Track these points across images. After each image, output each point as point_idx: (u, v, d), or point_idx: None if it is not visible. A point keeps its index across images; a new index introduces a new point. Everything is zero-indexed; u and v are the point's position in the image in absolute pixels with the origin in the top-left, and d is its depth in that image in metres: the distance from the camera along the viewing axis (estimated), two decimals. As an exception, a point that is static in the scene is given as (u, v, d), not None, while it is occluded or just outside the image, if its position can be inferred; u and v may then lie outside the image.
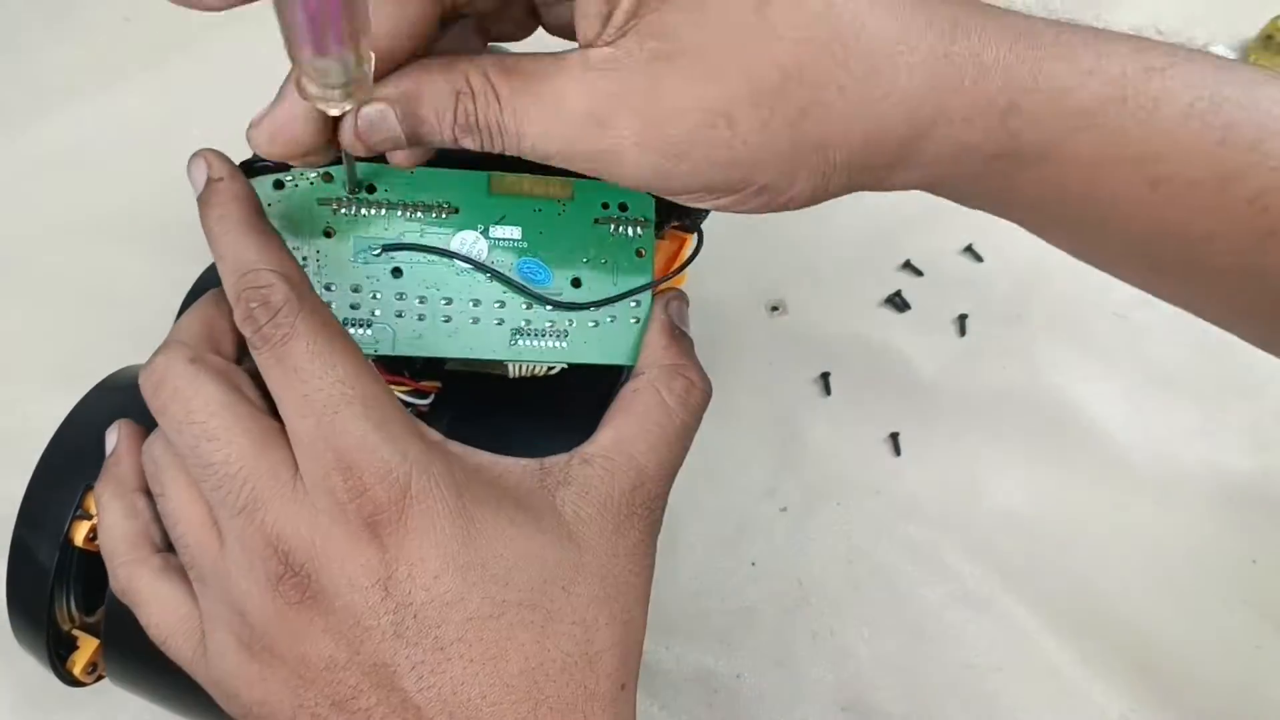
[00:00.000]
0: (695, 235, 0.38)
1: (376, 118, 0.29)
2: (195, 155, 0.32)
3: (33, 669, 0.41)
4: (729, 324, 0.55)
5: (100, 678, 0.40)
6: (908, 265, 0.58)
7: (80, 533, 0.37)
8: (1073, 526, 0.48)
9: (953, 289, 0.56)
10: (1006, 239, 0.54)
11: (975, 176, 0.30)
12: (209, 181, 0.32)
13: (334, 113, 0.29)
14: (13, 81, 0.61)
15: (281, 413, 0.29)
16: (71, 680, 0.40)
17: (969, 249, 0.56)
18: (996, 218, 0.49)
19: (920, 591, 0.50)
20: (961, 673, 0.48)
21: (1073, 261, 0.55)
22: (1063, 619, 0.49)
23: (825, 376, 0.55)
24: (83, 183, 0.58)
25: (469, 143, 0.30)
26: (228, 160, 0.32)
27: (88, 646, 0.39)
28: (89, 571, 0.38)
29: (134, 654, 0.38)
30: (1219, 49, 0.61)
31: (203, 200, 0.32)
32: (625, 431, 0.33)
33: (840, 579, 0.49)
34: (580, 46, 0.29)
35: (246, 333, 0.29)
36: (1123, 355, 0.54)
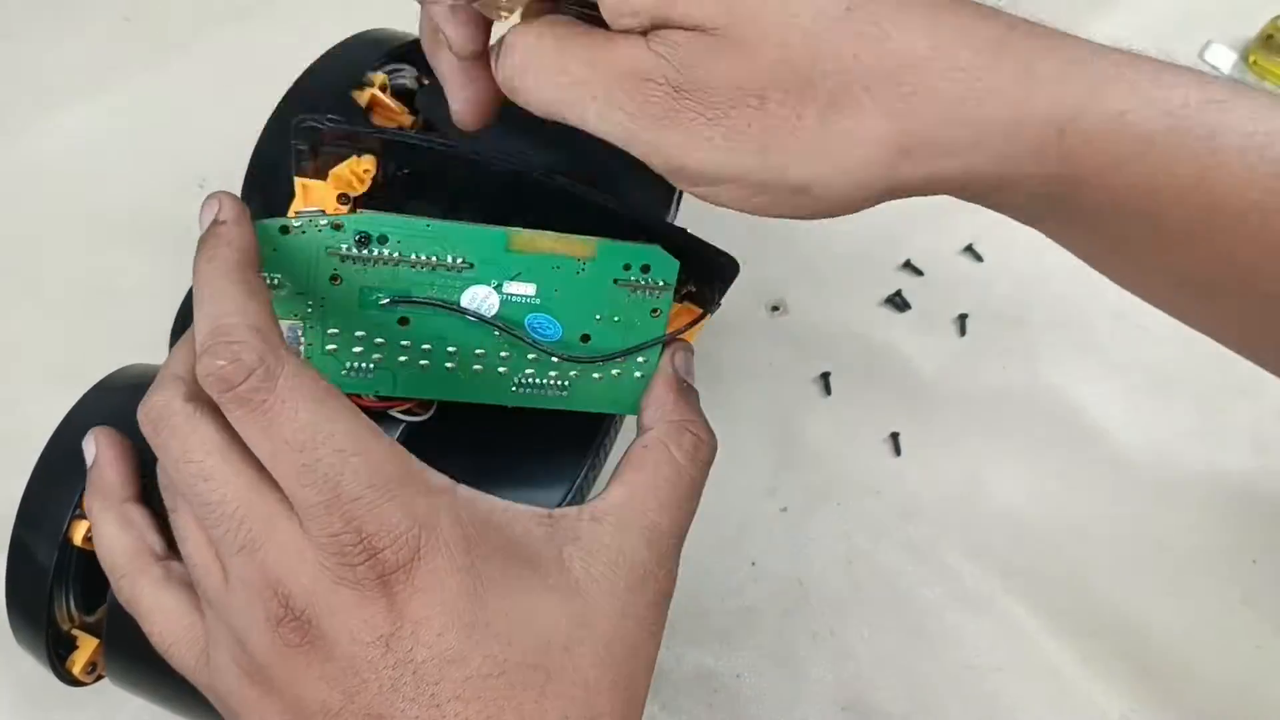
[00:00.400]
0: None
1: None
2: (210, 196, 0.32)
3: (32, 668, 0.41)
4: (729, 324, 0.55)
5: (100, 677, 0.40)
6: (908, 265, 0.57)
7: (79, 532, 0.37)
8: (1073, 526, 0.48)
9: (953, 289, 0.56)
10: (1007, 239, 0.54)
11: (1025, 196, 0.30)
12: (212, 223, 0.31)
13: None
14: (13, 81, 0.61)
15: (276, 477, 0.28)
16: (71, 680, 0.40)
17: (969, 249, 0.56)
18: (996, 217, 0.50)
19: (920, 591, 0.50)
20: (962, 673, 0.48)
21: (1073, 262, 0.55)
22: (1063, 619, 0.49)
23: (825, 376, 0.55)
24: (83, 183, 0.58)
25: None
26: (239, 205, 0.32)
27: (87, 646, 0.39)
28: (88, 571, 0.38)
29: (135, 655, 0.37)
30: (1219, 49, 0.61)
31: (200, 241, 0.31)
32: (637, 489, 0.32)
33: (840, 579, 0.49)
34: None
35: (212, 390, 0.28)
36: (1123, 355, 0.54)
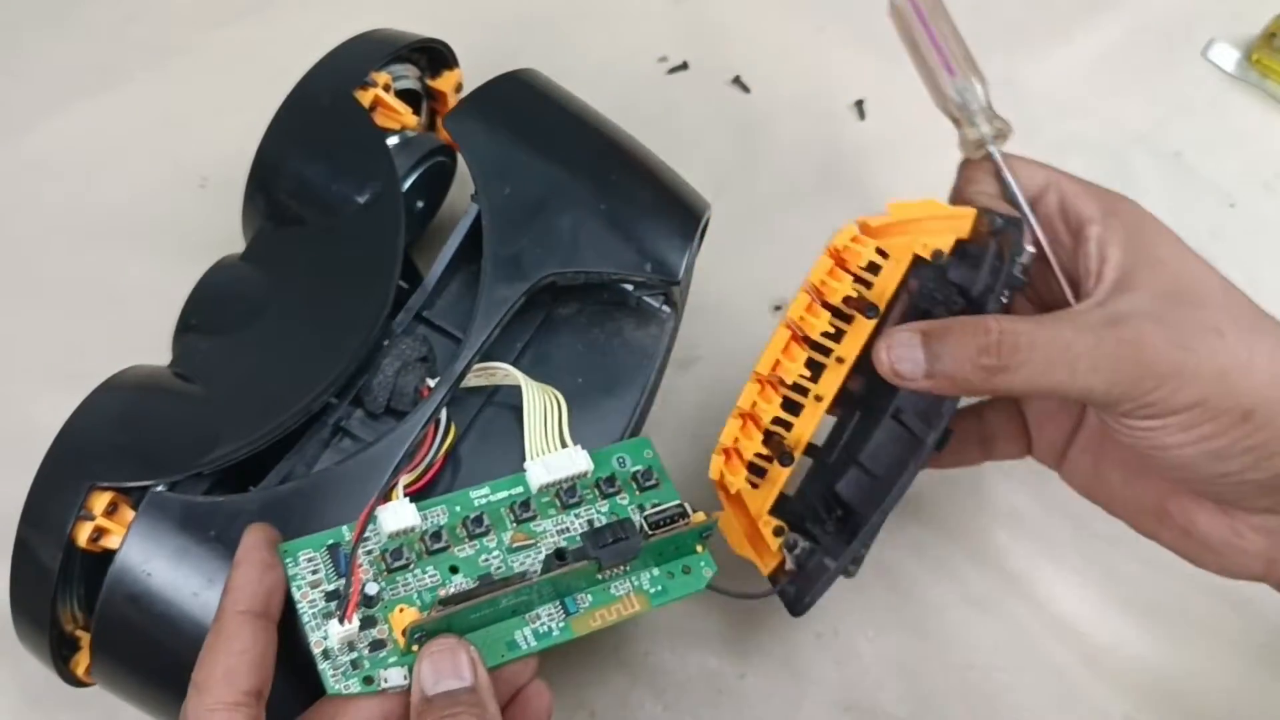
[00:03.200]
0: None
1: (905, 340, 0.36)
2: (253, 526, 0.36)
3: (36, 669, 0.41)
4: (733, 323, 0.54)
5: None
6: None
7: (83, 534, 0.37)
8: (1075, 526, 0.48)
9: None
10: None
11: None
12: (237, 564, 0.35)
13: (981, 150, 0.39)
14: (13, 81, 0.61)
15: None
16: (75, 681, 0.40)
17: None
18: None
19: (923, 591, 0.49)
20: (965, 673, 0.48)
21: None
22: (1066, 620, 0.48)
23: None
24: (83, 183, 0.58)
25: (988, 363, 0.35)
26: (268, 540, 0.35)
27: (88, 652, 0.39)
28: (92, 572, 0.38)
29: (123, 661, 0.38)
30: (1222, 47, 0.61)
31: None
32: None
33: (843, 578, 0.49)
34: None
35: None
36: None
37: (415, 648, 0.35)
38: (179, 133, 0.58)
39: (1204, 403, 0.34)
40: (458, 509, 0.38)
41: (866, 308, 0.41)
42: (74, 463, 0.38)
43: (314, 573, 0.36)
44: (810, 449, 0.44)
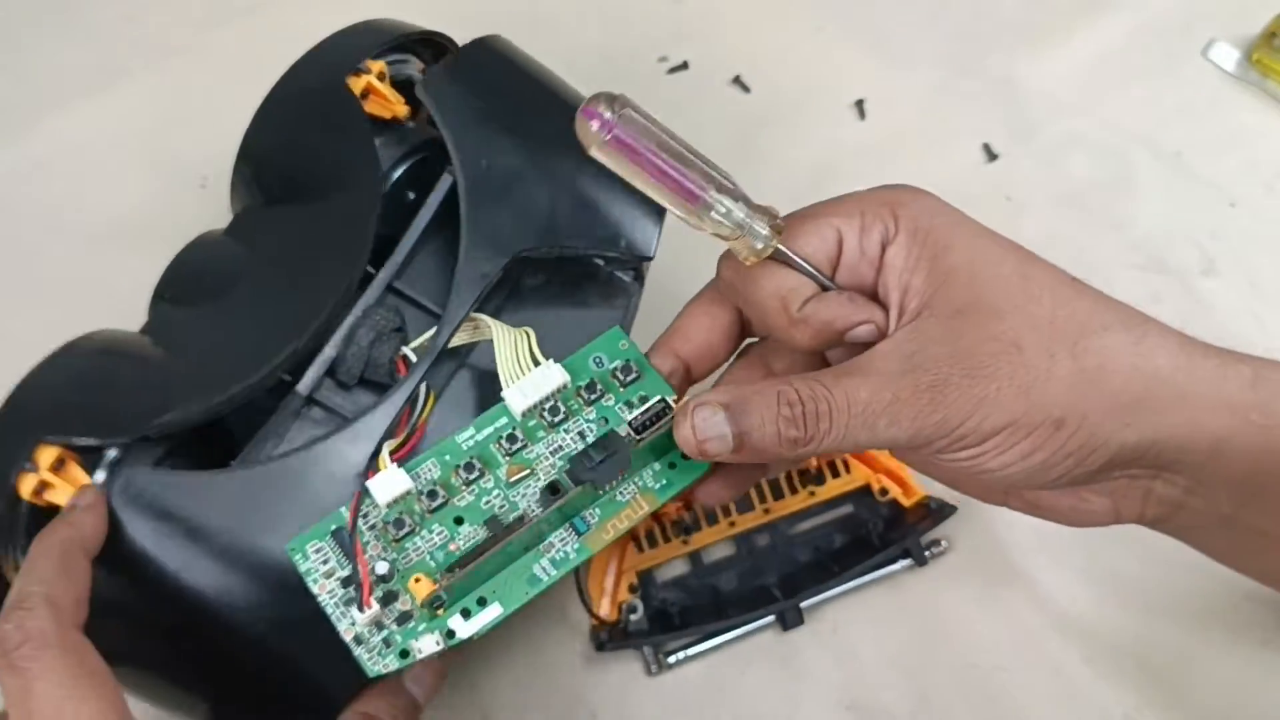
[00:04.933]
0: None
1: (709, 415, 0.35)
2: (84, 486, 0.37)
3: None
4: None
5: None
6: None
7: (26, 486, 0.38)
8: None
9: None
10: (1011, 238, 0.55)
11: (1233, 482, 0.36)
12: (69, 507, 0.36)
13: (767, 251, 0.35)
14: (13, 81, 0.61)
15: None
16: None
17: None
18: (1005, 216, 0.49)
19: (923, 590, 0.49)
20: (965, 672, 0.48)
21: (1075, 260, 0.54)
22: (1067, 618, 0.49)
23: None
24: (83, 183, 0.58)
25: (793, 435, 0.34)
26: (98, 495, 0.37)
27: None
28: (38, 526, 0.38)
29: None
30: (1222, 47, 0.61)
31: (52, 521, 0.36)
32: None
33: (844, 577, 0.49)
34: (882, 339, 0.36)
35: None
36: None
37: (441, 611, 0.36)
38: (179, 133, 0.58)
39: (1013, 423, 0.34)
40: (448, 458, 0.37)
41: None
42: (24, 416, 0.39)
43: (325, 563, 0.36)
44: (695, 558, 0.50)
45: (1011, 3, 0.63)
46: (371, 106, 0.46)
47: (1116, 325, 0.35)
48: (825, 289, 0.36)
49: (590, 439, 0.38)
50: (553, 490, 0.37)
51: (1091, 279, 0.53)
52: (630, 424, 0.37)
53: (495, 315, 0.41)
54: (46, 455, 0.38)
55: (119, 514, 0.37)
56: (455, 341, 0.41)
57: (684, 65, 0.61)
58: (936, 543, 0.49)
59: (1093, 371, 0.34)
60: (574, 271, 0.43)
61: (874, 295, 0.36)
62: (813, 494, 0.50)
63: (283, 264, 0.43)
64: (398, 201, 0.45)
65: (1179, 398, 0.35)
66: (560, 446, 0.38)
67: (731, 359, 0.40)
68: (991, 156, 0.59)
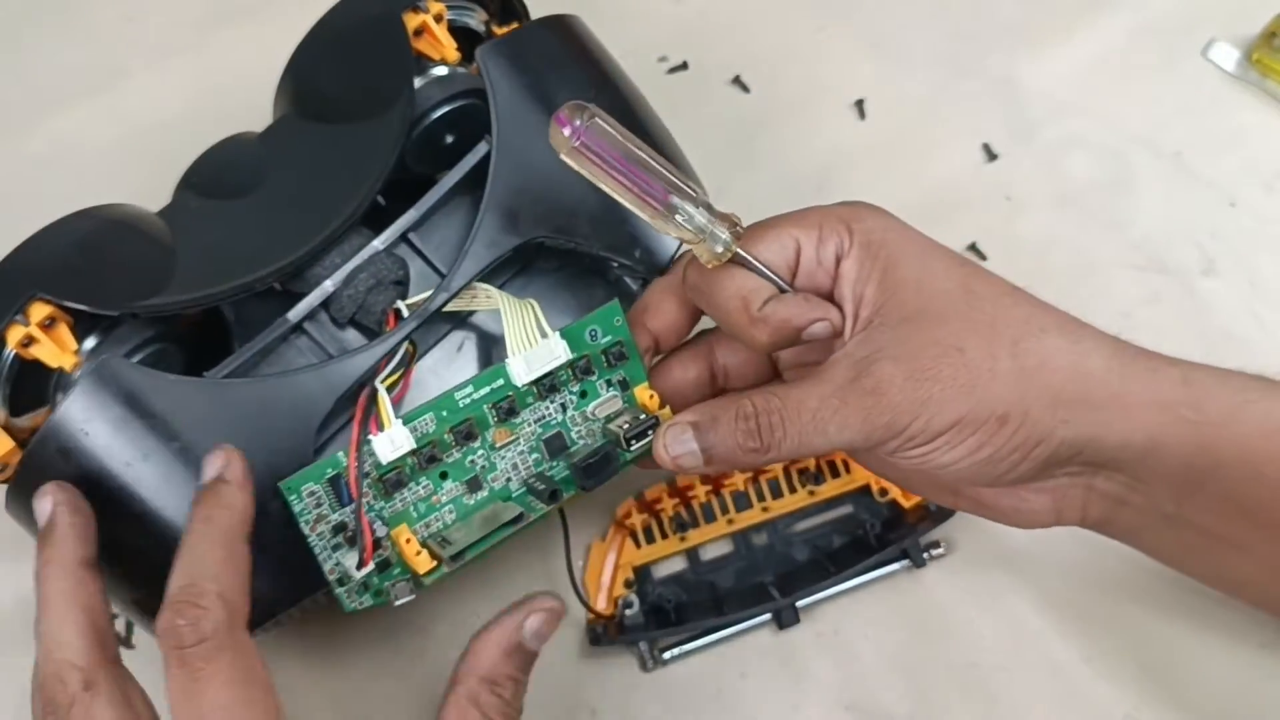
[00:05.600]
0: None
1: (678, 434, 0.38)
2: (218, 448, 0.37)
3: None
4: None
5: (8, 480, 0.40)
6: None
7: (14, 336, 0.39)
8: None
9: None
10: (1011, 238, 0.56)
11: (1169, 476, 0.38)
12: (214, 480, 0.36)
13: (727, 255, 0.37)
14: (13, 81, 0.61)
15: None
16: None
17: (972, 247, 0.56)
18: (1000, 217, 0.49)
19: (923, 590, 0.49)
20: (965, 671, 0.48)
21: (1077, 260, 0.56)
22: (1067, 618, 0.49)
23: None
24: (83, 183, 0.57)
25: (752, 446, 0.37)
26: (244, 465, 0.36)
27: (3, 444, 0.40)
28: (22, 376, 0.39)
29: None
30: (1222, 47, 0.61)
31: (196, 499, 0.36)
32: None
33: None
34: (838, 347, 0.38)
35: (164, 643, 0.32)
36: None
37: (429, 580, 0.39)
38: (179, 133, 0.58)
39: (960, 420, 0.36)
40: (445, 414, 0.39)
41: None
42: (23, 269, 0.40)
43: (317, 506, 0.38)
44: (693, 555, 0.50)
45: (1011, 3, 0.62)
46: (422, 45, 0.46)
47: (1054, 328, 0.37)
48: (783, 291, 0.38)
49: (569, 412, 0.40)
50: (552, 497, 0.39)
51: (1091, 279, 0.55)
52: (624, 435, 0.39)
53: (501, 288, 0.42)
54: (38, 311, 0.39)
55: (85, 394, 0.38)
56: (453, 307, 0.41)
57: (684, 65, 0.61)
58: (935, 544, 0.49)
59: (1033, 370, 0.36)
60: (586, 266, 0.44)
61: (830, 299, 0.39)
62: (812, 493, 0.50)
63: (302, 177, 0.44)
64: (435, 141, 0.46)
65: (1113, 396, 0.37)
66: (544, 416, 0.40)
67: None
68: (991, 156, 0.59)
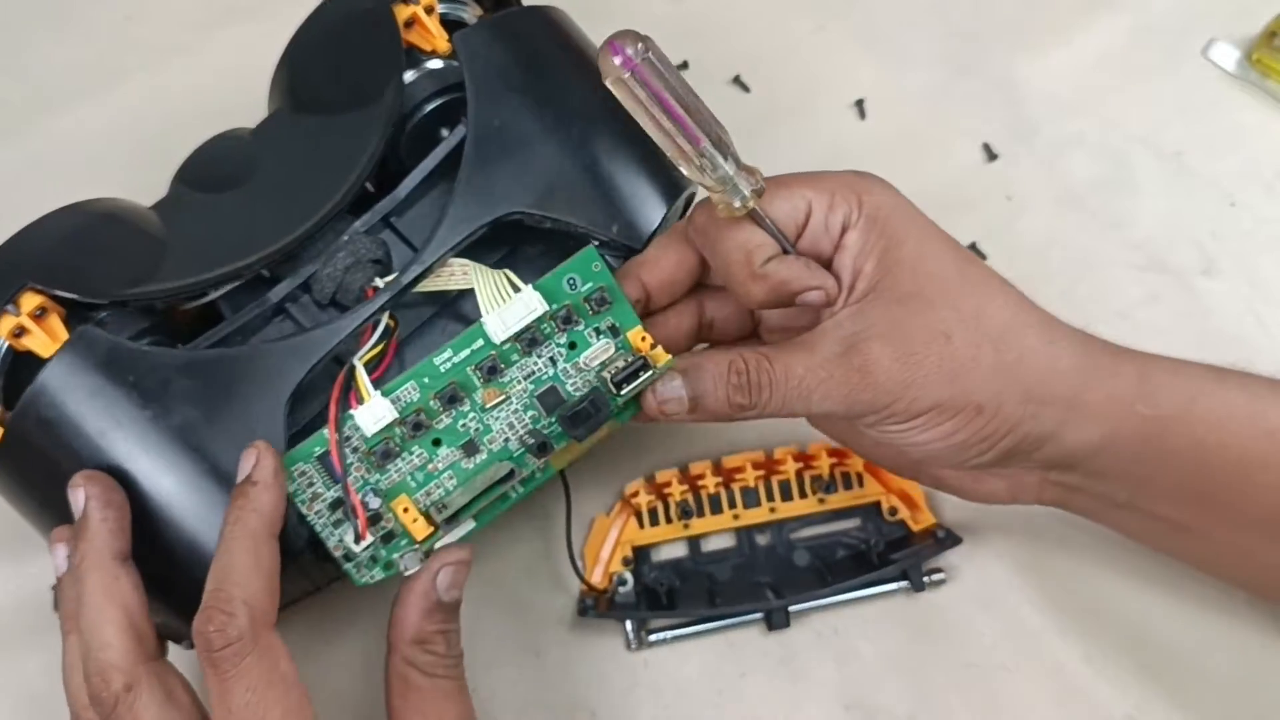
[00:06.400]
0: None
1: (667, 380, 0.39)
2: (251, 446, 0.37)
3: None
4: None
5: None
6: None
7: (6, 325, 0.40)
8: (1078, 523, 0.47)
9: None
10: (1011, 238, 0.56)
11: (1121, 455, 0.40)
12: (246, 481, 0.37)
13: (744, 210, 0.37)
14: (13, 80, 0.61)
15: None
16: None
17: (973, 246, 0.56)
18: (1002, 217, 0.53)
19: (924, 590, 0.49)
20: (965, 671, 0.48)
21: (1076, 260, 0.56)
22: (1067, 617, 0.49)
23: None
24: (83, 183, 0.57)
25: (739, 401, 0.38)
26: (277, 464, 0.37)
27: None
28: (15, 367, 0.40)
29: (18, 476, 0.41)
30: (1222, 47, 0.60)
31: (232, 497, 0.37)
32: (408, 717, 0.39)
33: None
34: (825, 318, 0.39)
35: (198, 647, 0.35)
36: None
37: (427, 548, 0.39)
38: (177, 131, 0.57)
39: (939, 405, 0.38)
40: (426, 381, 0.39)
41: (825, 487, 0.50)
42: (16, 260, 0.41)
43: (310, 485, 0.39)
44: (694, 544, 0.50)
45: (1011, 3, 0.62)
46: (412, 36, 0.46)
47: (1035, 326, 0.39)
48: (785, 252, 0.39)
49: (560, 365, 0.40)
50: (541, 449, 0.39)
51: (1091, 278, 0.55)
52: (612, 378, 0.39)
53: None
54: (29, 301, 0.39)
55: (63, 361, 0.39)
56: (433, 286, 0.42)
57: (684, 65, 0.61)
58: (937, 570, 0.49)
59: (1011, 365, 0.38)
60: (570, 247, 0.43)
61: (827, 269, 0.40)
62: (822, 501, 0.50)
63: (290, 168, 0.45)
64: (428, 135, 0.46)
65: (1075, 395, 0.39)
66: (533, 371, 0.40)
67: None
68: (992, 156, 0.59)
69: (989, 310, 0.39)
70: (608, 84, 0.36)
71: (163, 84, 0.60)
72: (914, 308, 0.38)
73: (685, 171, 0.37)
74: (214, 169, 0.46)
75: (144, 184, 0.55)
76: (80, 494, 0.37)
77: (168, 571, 0.39)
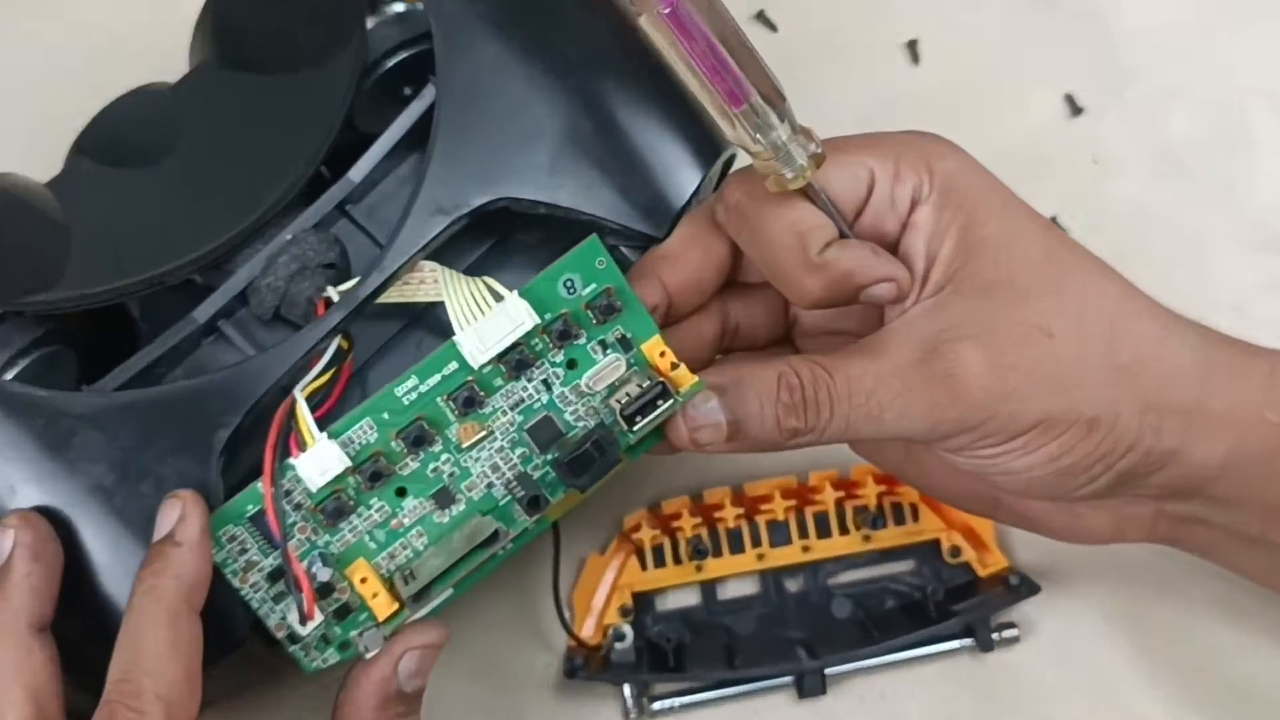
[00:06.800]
0: None
1: (701, 401, 0.34)
2: (174, 496, 0.34)
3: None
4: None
5: None
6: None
7: None
8: (1187, 564, 0.43)
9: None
10: (1096, 209, 0.53)
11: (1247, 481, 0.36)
12: (166, 540, 0.33)
13: (797, 183, 0.33)
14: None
15: None
16: None
17: (1053, 220, 0.51)
18: (1086, 185, 0.53)
19: (992, 648, 0.46)
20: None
21: (1177, 237, 0.53)
22: (1169, 682, 0.46)
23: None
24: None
25: (793, 425, 0.34)
26: (201, 519, 0.33)
27: None
28: None
29: None
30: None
31: (146, 559, 0.33)
32: None
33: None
34: (897, 313, 0.35)
35: None
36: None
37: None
38: (75, 84, 0.50)
39: (1045, 421, 0.34)
40: (386, 416, 0.35)
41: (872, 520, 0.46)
42: None
43: (243, 552, 0.35)
44: (709, 590, 0.47)
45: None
46: None
47: (1145, 314, 0.36)
48: (843, 236, 0.35)
49: (556, 389, 0.36)
50: (533, 505, 0.35)
51: (1195, 260, 0.52)
52: (621, 411, 0.35)
53: (470, 272, 0.39)
54: None
55: None
56: (398, 297, 0.38)
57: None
58: (1009, 625, 0.46)
59: (1125, 366, 0.34)
60: (575, 236, 0.40)
61: (897, 253, 0.36)
62: (868, 538, 0.46)
63: (226, 141, 0.41)
64: (391, 95, 0.42)
65: (1197, 402, 0.35)
66: (521, 400, 0.36)
67: None
68: (1075, 110, 0.55)
69: (1093, 299, 0.35)
70: (642, 23, 0.31)
71: (54, 24, 0.55)
72: (1003, 299, 0.34)
73: (727, 133, 0.33)
74: (126, 137, 0.42)
75: (28, 148, 0.49)
76: (8, 539, 0.34)
77: (84, 647, 0.35)
